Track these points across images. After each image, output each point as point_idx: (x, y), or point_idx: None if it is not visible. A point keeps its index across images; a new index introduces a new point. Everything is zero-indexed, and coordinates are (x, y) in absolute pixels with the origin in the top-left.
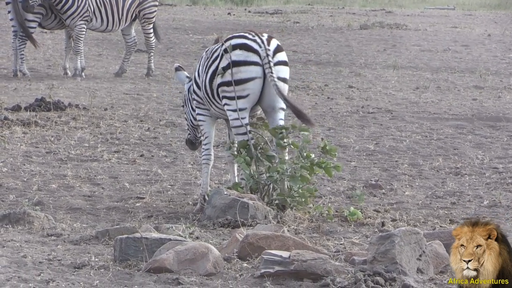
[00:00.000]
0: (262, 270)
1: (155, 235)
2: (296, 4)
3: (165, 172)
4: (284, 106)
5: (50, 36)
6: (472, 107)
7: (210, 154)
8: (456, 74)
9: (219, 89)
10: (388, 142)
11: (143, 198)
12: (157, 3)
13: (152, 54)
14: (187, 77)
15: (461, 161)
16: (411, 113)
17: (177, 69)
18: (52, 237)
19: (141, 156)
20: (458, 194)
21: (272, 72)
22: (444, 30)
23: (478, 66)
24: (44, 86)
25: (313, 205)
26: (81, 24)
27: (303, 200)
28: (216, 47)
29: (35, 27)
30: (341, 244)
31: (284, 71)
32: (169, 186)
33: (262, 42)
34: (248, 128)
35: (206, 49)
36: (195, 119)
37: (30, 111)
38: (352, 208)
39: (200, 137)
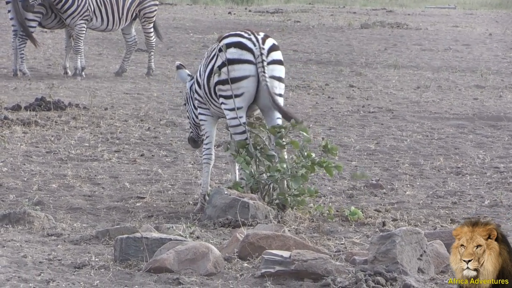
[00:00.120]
0: (263, 270)
1: (156, 235)
2: (297, 3)
3: (165, 171)
4: (282, 105)
5: (50, 36)
6: (473, 106)
7: (211, 154)
8: (457, 74)
9: (216, 88)
10: (389, 142)
11: (144, 197)
12: (157, 2)
13: (152, 53)
14: (189, 75)
15: (462, 161)
16: (412, 113)
17: (179, 67)
18: (52, 237)
19: (141, 155)
20: (459, 194)
21: (264, 71)
22: (445, 29)
23: (479, 66)
24: (44, 86)
25: (314, 205)
26: (81, 23)
27: (300, 199)
28: (215, 46)
29: (35, 27)
30: (341, 244)
31: (278, 70)
32: (170, 186)
33: (257, 40)
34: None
35: (208, 48)
36: (197, 117)
37: (30, 110)
38: (353, 208)
39: (202, 135)
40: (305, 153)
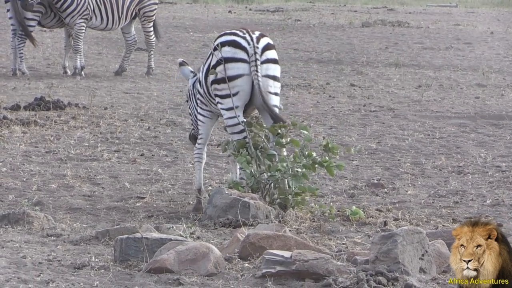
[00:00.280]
0: (264, 270)
1: (156, 235)
2: (297, 2)
3: (165, 171)
4: (278, 103)
5: (50, 35)
6: (475, 105)
7: (202, 154)
8: (458, 72)
9: (212, 87)
10: (390, 141)
11: (144, 197)
12: (157, 1)
13: (152, 52)
14: (192, 71)
15: (463, 160)
16: (413, 112)
17: (181, 64)
18: (52, 237)
19: (141, 155)
20: (461, 193)
21: (257, 70)
22: (446, 27)
23: (481, 64)
24: (43, 85)
25: (315, 205)
26: (80, 22)
27: (301, 199)
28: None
29: (34, 26)
30: (343, 243)
31: (273, 69)
32: (170, 186)
33: (252, 39)
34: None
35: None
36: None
37: (29, 110)
38: (354, 208)
39: (197, 134)
40: (306, 153)
